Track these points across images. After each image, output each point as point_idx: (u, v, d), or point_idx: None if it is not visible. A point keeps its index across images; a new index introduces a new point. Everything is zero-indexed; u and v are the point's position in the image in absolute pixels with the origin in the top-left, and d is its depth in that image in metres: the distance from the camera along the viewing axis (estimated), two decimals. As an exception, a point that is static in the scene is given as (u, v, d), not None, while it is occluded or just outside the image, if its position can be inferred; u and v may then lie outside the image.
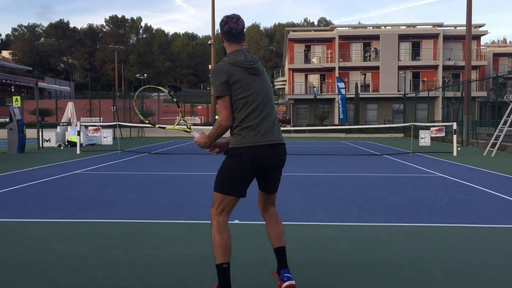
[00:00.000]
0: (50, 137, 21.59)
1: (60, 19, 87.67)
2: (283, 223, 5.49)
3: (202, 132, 3.24)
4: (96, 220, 5.81)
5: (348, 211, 6.37)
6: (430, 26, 46.47)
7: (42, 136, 20.60)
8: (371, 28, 49.43)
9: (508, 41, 77.91)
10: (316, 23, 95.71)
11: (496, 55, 49.37)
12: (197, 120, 43.19)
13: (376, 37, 45.40)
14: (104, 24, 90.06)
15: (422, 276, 3.72)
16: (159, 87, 3.65)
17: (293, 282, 3.21)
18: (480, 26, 45.60)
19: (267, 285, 3.58)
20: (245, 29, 3.25)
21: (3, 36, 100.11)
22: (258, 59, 3.21)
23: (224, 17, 3.17)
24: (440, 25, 46.05)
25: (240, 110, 3.07)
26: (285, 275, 3.25)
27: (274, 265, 3.96)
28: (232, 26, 3.13)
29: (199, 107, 47.95)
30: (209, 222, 5.61)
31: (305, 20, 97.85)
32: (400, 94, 40.06)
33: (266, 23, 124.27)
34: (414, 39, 45.57)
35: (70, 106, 24.62)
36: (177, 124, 3.50)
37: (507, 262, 4.12)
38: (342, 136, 34.91)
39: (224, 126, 3.03)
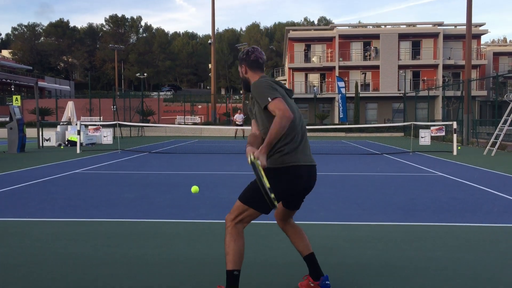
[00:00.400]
0: (50, 136, 21.59)
1: (60, 19, 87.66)
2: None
3: (252, 148, 3.01)
4: (97, 219, 5.82)
5: (348, 211, 6.37)
6: (430, 25, 46.46)
7: (42, 135, 20.60)
8: (371, 27, 49.44)
9: (508, 40, 77.86)
10: (316, 22, 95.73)
11: (496, 54, 49.35)
12: (197, 119, 43.20)
13: (376, 36, 45.39)
14: (104, 23, 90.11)
15: (422, 276, 3.72)
16: None
17: None
18: (480, 25, 45.60)
19: (267, 285, 3.58)
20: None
21: (3, 36, 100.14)
22: None
23: (250, 48, 3.33)
24: (440, 24, 46.04)
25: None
26: (326, 282, 3.27)
27: (274, 265, 3.97)
28: (258, 56, 3.27)
29: (199, 106, 47.95)
30: (209, 221, 5.63)
31: (305, 19, 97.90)
32: (400, 93, 40.08)
33: (266, 22, 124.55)
34: (414, 38, 45.55)
35: (70, 105, 24.61)
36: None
37: (508, 262, 4.12)
38: (342, 135, 34.91)
39: (288, 117, 2.87)
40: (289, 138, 3.06)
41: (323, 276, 3.29)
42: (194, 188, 5.33)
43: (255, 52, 3.29)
